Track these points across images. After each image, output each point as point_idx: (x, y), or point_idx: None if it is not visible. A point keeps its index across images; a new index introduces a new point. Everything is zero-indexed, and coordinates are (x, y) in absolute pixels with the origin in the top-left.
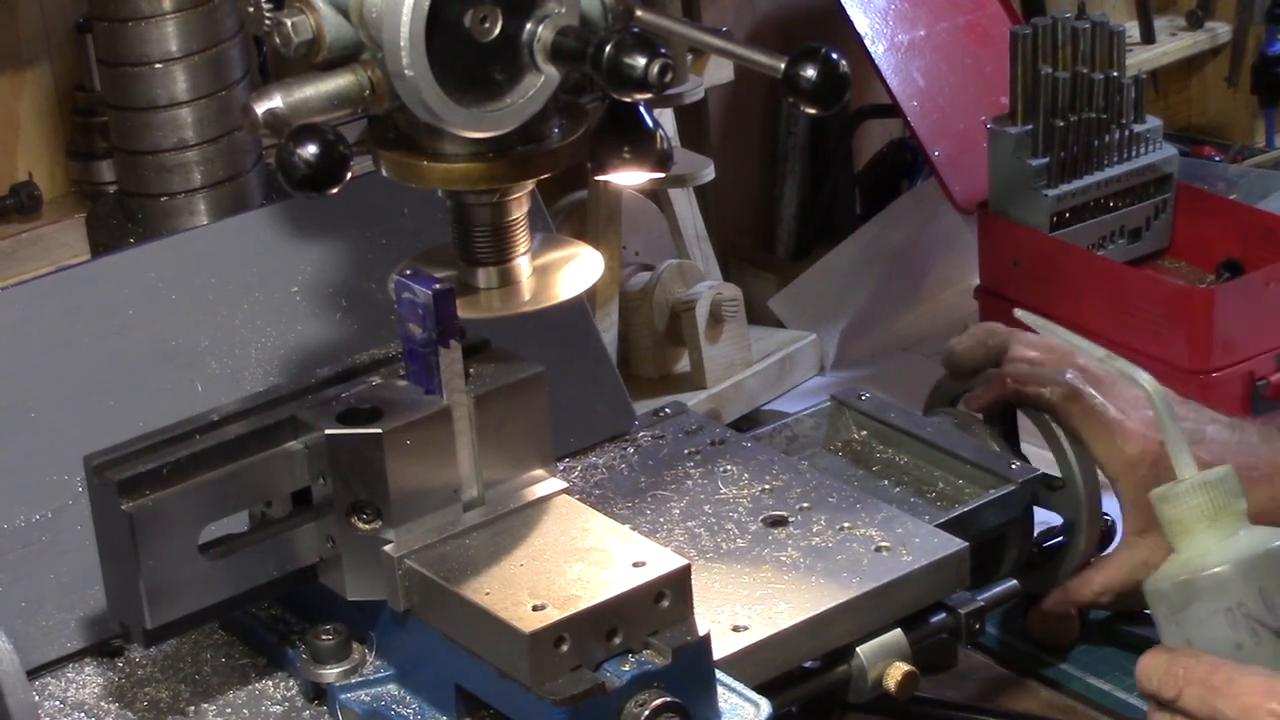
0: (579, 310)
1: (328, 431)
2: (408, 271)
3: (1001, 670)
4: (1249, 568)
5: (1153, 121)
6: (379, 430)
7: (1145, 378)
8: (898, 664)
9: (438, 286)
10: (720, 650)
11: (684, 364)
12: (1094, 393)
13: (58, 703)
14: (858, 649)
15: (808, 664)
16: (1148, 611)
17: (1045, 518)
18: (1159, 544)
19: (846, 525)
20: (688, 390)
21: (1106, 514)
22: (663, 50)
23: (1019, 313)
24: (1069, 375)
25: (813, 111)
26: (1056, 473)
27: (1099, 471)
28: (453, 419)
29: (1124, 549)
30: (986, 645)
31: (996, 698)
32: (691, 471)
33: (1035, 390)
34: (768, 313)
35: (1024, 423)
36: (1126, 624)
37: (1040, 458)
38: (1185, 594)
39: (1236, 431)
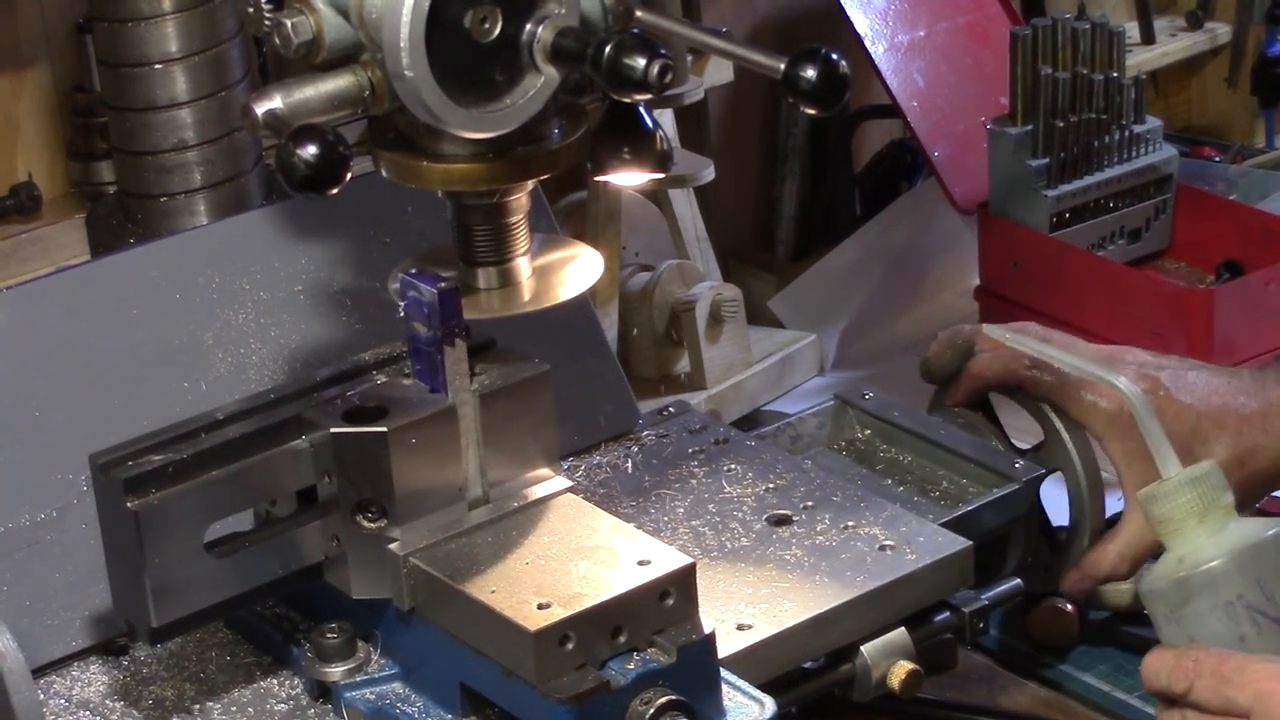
0: (583, 309)
1: (333, 430)
2: (413, 270)
3: (1001, 670)
4: (1244, 560)
5: (1153, 122)
6: (384, 429)
7: (1121, 381)
8: (902, 663)
9: (443, 285)
10: (725, 649)
11: (684, 364)
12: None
13: (63, 701)
14: (862, 648)
15: (811, 664)
16: (1148, 612)
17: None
18: None
19: (850, 524)
20: (687, 391)
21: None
22: (662, 51)
23: (986, 328)
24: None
25: (812, 112)
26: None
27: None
28: (458, 418)
29: (1130, 512)
30: (986, 645)
31: (996, 698)
32: (696, 470)
33: (1003, 370)
34: (767, 313)
35: (1025, 421)
36: (1126, 624)
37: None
38: (1183, 592)
39: (1224, 376)
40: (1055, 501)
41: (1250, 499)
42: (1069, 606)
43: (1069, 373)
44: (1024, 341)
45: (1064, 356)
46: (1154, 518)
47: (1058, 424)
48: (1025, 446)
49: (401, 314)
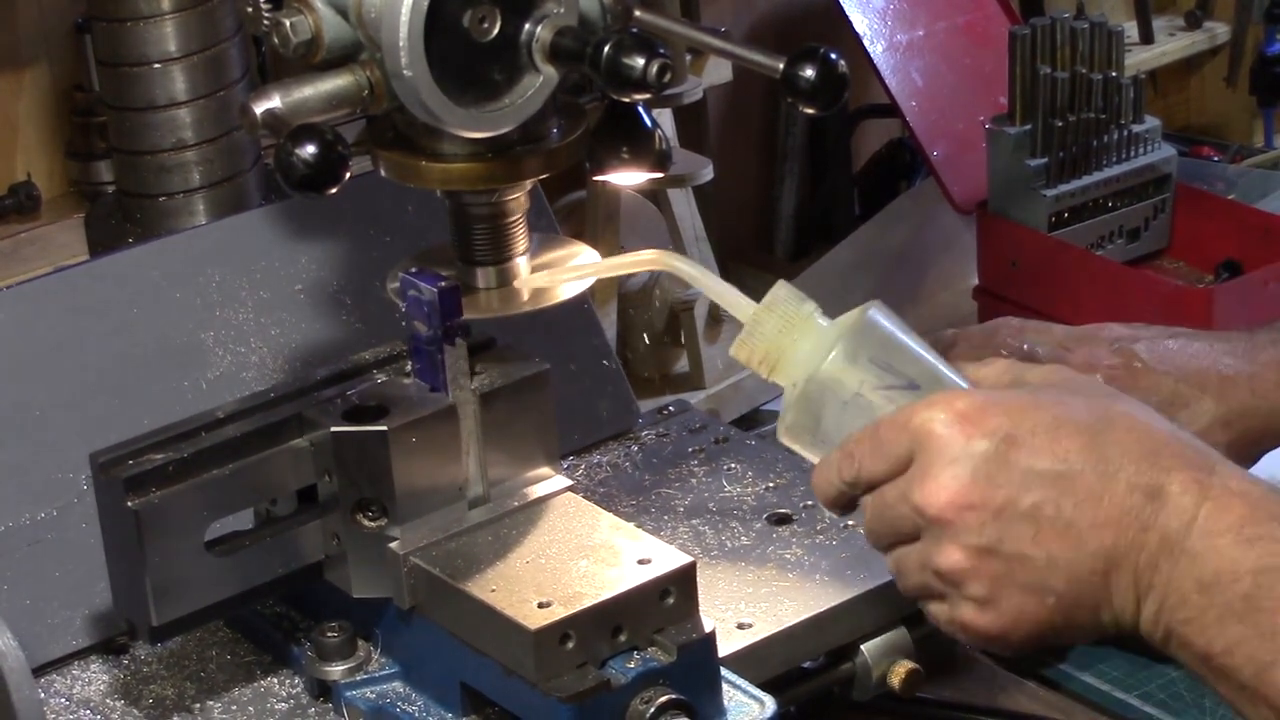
0: (583, 308)
1: (333, 429)
2: (412, 269)
3: (1001, 670)
4: (849, 349)
5: (1151, 122)
6: (384, 428)
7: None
8: (902, 661)
9: (443, 284)
10: (725, 647)
11: (683, 364)
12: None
13: (63, 700)
14: (862, 647)
15: (811, 663)
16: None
17: None
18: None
19: (850, 523)
20: (686, 391)
21: None
22: (661, 50)
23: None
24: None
25: (811, 111)
26: None
27: None
28: (458, 417)
29: None
30: None
31: (996, 698)
32: (696, 469)
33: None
34: None
35: None
36: None
37: None
38: (810, 412)
39: (1208, 340)
40: None
41: (1241, 462)
42: None
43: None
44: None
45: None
46: (755, 365)
47: None
48: None
49: (401, 313)
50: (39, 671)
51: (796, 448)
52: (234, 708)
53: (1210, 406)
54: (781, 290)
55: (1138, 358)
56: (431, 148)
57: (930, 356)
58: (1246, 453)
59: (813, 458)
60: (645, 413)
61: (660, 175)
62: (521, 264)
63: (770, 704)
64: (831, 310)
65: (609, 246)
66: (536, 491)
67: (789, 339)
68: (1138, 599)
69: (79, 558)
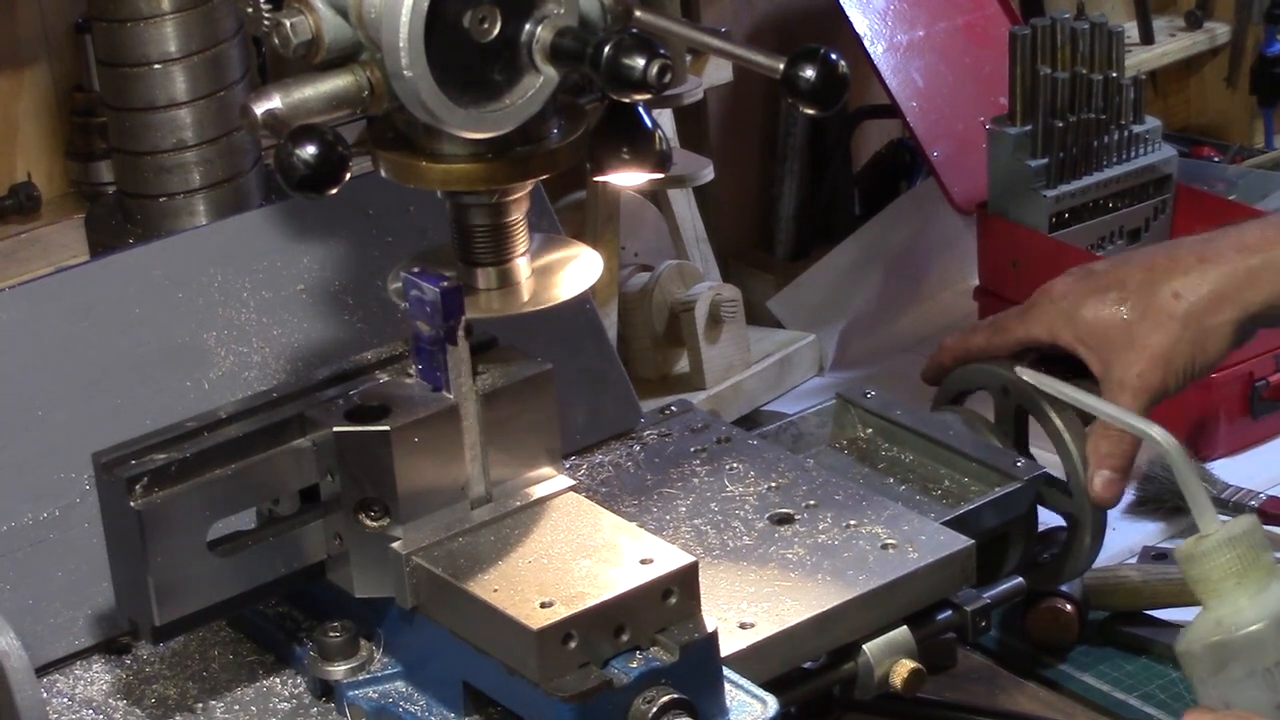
0: (585, 308)
1: (336, 429)
2: (415, 269)
3: (1000, 670)
4: None
5: (1152, 122)
6: (387, 427)
7: (1156, 431)
8: (904, 661)
9: (445, 284)
10: (727, 647)
11: (683, 365)
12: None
13: (66, 700)
14: (864, 646)
15: (813, 663)
16: (1148, 612)
17: (1046, 518)
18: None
19: (852, 523)
20: (687, 391)
21: None
22: (661, 51)
23: (1020, 370)
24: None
25: (812, 112)
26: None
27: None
28: (460, 416)
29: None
30: (985, 645)
31: (996, 698)
32: (698, 469)
33: (963, 342)
34: (767, 313)
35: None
36: (1126, 625)
37: (1047, 460)
38: (1220, 656)
39: (1166, 244)
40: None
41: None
42: (1068, 606)
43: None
44: (1060, 389)
45: (1100, 406)
46: (1191, 577)
47: (1056, 420)
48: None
49: (403, 313)
50: (41, 671)
51: (1187, 671)
52: (236, 707)
53: (1195, 280)
54: (1254, 531)
55: (1099, 267)
56: (432, 148)
57: None
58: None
59: (1197, 688)
60: (647, 412)
61: (660, 176)
62: (522, 264)
63: (772, 703)
64: (830, 313)
65: (609, 247)
66: (538, 491)
67: (1235, 579)
68: None
69: (81, 558)
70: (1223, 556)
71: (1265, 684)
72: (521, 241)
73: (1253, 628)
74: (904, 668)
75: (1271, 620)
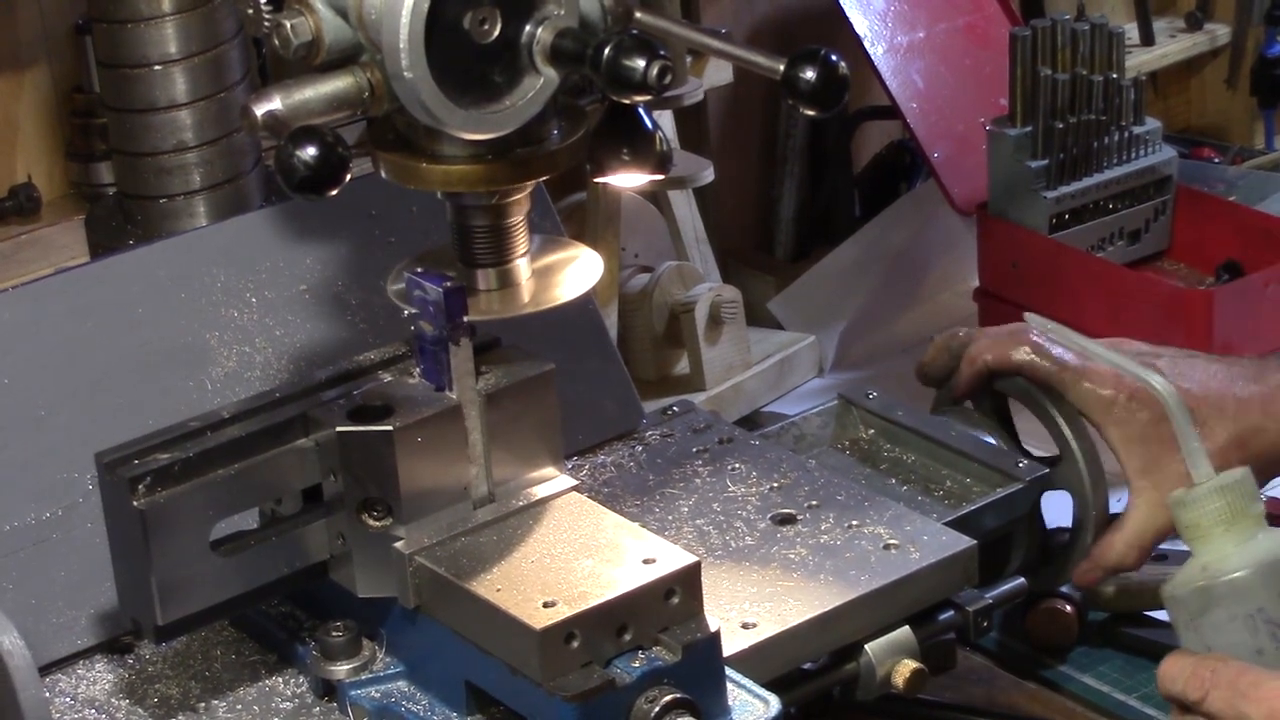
0: (587, 309)
1: (338, 429)
2: (418, 270)
3: (1001, 671)
4: (1269, 573)
5: (1152, 123)
6: (390, 427)
7: (1158, 380)
8: (906, 661)
9: (448, 284)
10: (730, 647)
11: (683, 366)
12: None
13: (69, 699)
14: (866, 646)
15: (814, 663)
16: (1148, 613)
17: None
18: (1165, 479)
19: (855, 523)
20: (687, 392)
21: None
22: (662, 52)
23: (1028, 316)
24: (1033, 335)
25: (812, 113)
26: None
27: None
28: (463, 416)
29: (1134, 498)
30: (985, 646)
31: (996, 698)
32: (700, 469)
33: (1002, 354)
34: (767, 314)
35: (1034, 427)
36: (1126, 625)
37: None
38: (1204, 600)
39: (1222, 363)
40: (1059, 498)
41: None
42: (1068, 607)
43: (1069, 360)
44: (1066, 334)
45: (1105, 353)
46: (1181, 522)
47: (1059, 419)
48: (1042, 454)
49: (406, 314)
50: (44, 671)
51: (1171, 615)
52: (239, 707)
53: (1228, 426)
54: (1244, 481)
55: (1161, 372)
56: (432, 149)
57: None
58: (1259, 472)
59: (1180, 633)
60: (649, 413)
61: (661, 177)
62: (522, 265)
63: (775, 703)
64: (831, 314)
65: (609, 248)
66: (541, 491)
67: (1224, 526)
68: None
69: (84, 557)
70: (1213, 504)
71: (1246, 629)
72: (522, 243)
73: (1237, 574)
74: (906, 668)
75: (1255, 568)
